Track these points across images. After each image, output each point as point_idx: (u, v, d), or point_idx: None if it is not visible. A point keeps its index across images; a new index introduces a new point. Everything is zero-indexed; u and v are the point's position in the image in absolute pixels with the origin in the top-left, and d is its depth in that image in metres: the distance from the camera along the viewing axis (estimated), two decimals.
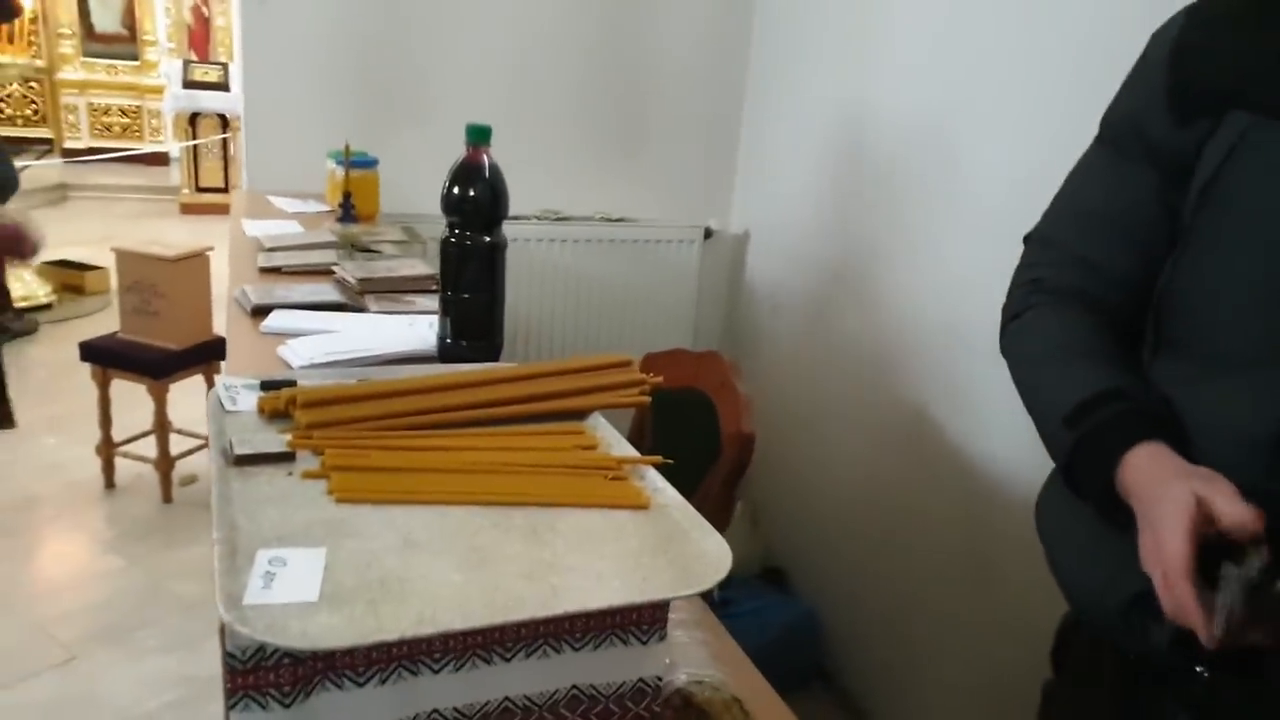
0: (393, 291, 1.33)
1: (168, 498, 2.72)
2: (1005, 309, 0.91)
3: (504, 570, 0.66)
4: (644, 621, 0.68)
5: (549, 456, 0.85)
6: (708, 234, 2.63)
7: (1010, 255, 1.74)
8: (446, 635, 0.61)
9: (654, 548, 0.71)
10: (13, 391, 2.20)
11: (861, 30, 2.09)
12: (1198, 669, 0.70)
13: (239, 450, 0.78)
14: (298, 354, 1.03)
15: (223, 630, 0.57)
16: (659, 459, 0.84)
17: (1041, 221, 0.91)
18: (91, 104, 8.53)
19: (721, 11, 2.50)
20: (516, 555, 0.68)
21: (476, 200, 1.06)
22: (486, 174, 1.06)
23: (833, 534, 2.22)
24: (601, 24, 2.42)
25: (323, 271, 1.43)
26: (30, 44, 7.90)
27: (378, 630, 0.58)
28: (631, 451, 0.87)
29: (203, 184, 7.20)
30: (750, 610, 2.11)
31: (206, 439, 2.84)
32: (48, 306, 4.33)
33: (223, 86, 7.23)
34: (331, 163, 1.93)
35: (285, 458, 0.79)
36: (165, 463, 2.70)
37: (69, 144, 8.20)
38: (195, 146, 7.14)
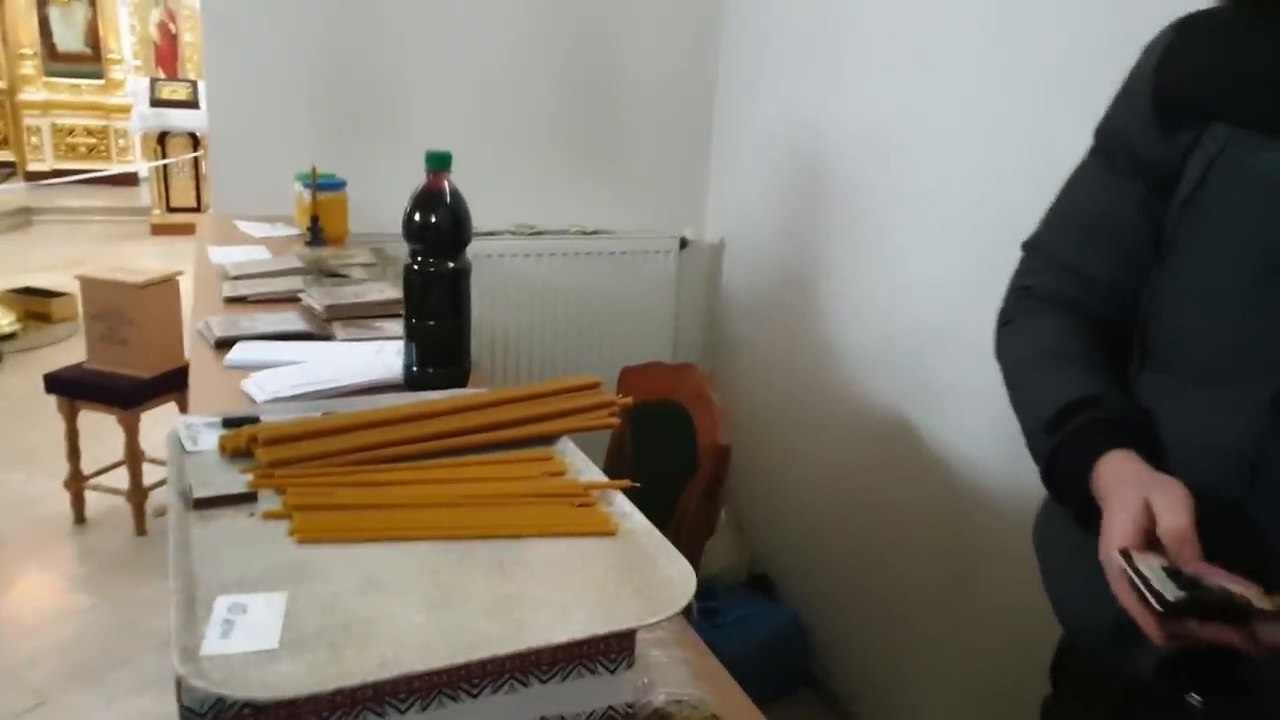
0: (360, 317, 1.32)
1: (141, 530, 2.68)
2: (999, 314, 0.92)
3: (467, 608, 0.65)
4: (611, 650, 0.68)
5: (516, 486, 0.84)
6: (683, 244, 2.64)
7: (974, 258, 1.76)
8: (410, 677, 0.60)
9: (619, 576, 0.71)
10: None
11: (825, 42, 2.10)
12: (1190, 697, 0.70)
13: (198, 493, 0.77)
14: (262, 388, 1.02)
15: (179, 683, 0.57)
16: (626, 483, 0.84)
17: (1037, 229, 0.92)
18: (55, 125, 8.42)
19: (690, 24, 2.51)
20: (480, 592, 0.68)
21: (438, 227, 1.06)
22: (448, 199, 1.06)
23: (816, 539, 2.23)
24: (570, 38, 2.42)
25: (289, 299, 1.42)
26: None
27: (340, 676, 0.57)
28: (600, 476, 0.87)
29: (174, 204, 7.12)
30: (736, 618, 2.11)
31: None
32: (11, 336, 4.26)
33: (192, 104, 7.16)
34: (299, 185, 1.91)
35: (247, 498, 0.78)
36: (138, 494, 2.66)
37: (32, 166, 8.10)
38: (165, 166, 7.06)
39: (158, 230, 7.03)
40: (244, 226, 1.97)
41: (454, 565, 0.71)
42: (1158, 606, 0.61)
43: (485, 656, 0.60)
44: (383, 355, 1.17)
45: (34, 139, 8.26)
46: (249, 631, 0.61)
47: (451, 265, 1.08)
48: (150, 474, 2.72)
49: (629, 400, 1.04)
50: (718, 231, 2.66)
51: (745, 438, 2.32)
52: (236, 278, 1.51)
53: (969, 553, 1.73)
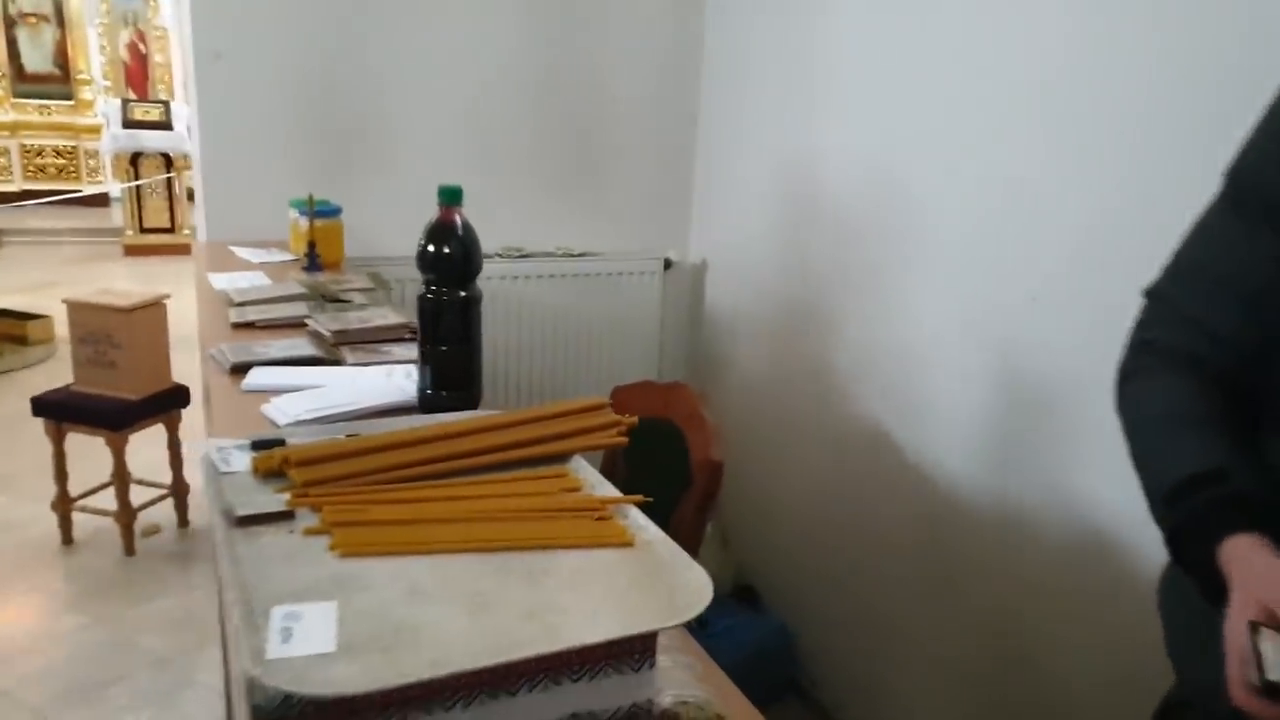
0: (367, 342, 1.37)
1: (130, 550, 2.69)
2: (1119, 367, 0.89)
3: (505, 613, 0.71)
4: (635, 651, 0.74)
5: (537, 501, 0.90)
6: (667, 265, 2.71)
7: (955, 280, 1.84)
8: (458, 676, 0.66)
9: (640, 583, 0.77)
10: None
11: (805, 70, 2.19)
12: None
13: (241, 512, 0.82)
14: (283, 412, 1.07)
15: (249, 683, 0.61)
16: (640, 498, 0.90)
17: (1161, 276, 0.87)
18: (24, 145, 8.35)
19: (672, 51, 2.60)
20: (515, 598, 0.73)
21: (450, 257, 1.12)
22: (459, 232, 1.12)
23: (800, 550, 2.30)
24: (554, 62, 2.50)
25: (295, 324, 1.47)
26: None
27: (397, 675, 0.62)
28: (613, 492, 0.93)
29: (147, 224, 7.09)
30: (724, 629, 2.17)
31: (168, 488, 2.83)
32: None
33: (165, 125, 7.15)
34: (294, 212, 1.96)
35: (285, 516, 0.83)
36: (126, 515, 2.66)
37: (1, 188, 8.02)
38: (139, 187, 7.03)
39: (131, 251, 6.99)
40: (240, 252, 2.01)
41: (489, 575, 0.76)
42: (1256, 681, 0.64)
43: (528, 656, 0.66)
44: (394, 378, 1.22)
45: (1, 160, 8.19)
46: (307, 637, 0.66)
47: (463, 294, 1.13)
48: (137, 495, 2.72)
49: (634, 419, 1.10)
50: (700, 253, 2.74)
51: (730, 452, 2.38)
52: (242, 304, 1.55)
53: (951, 563, 1.81)
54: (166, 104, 7.30)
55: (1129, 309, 0.91)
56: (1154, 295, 0.88)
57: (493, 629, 0.69)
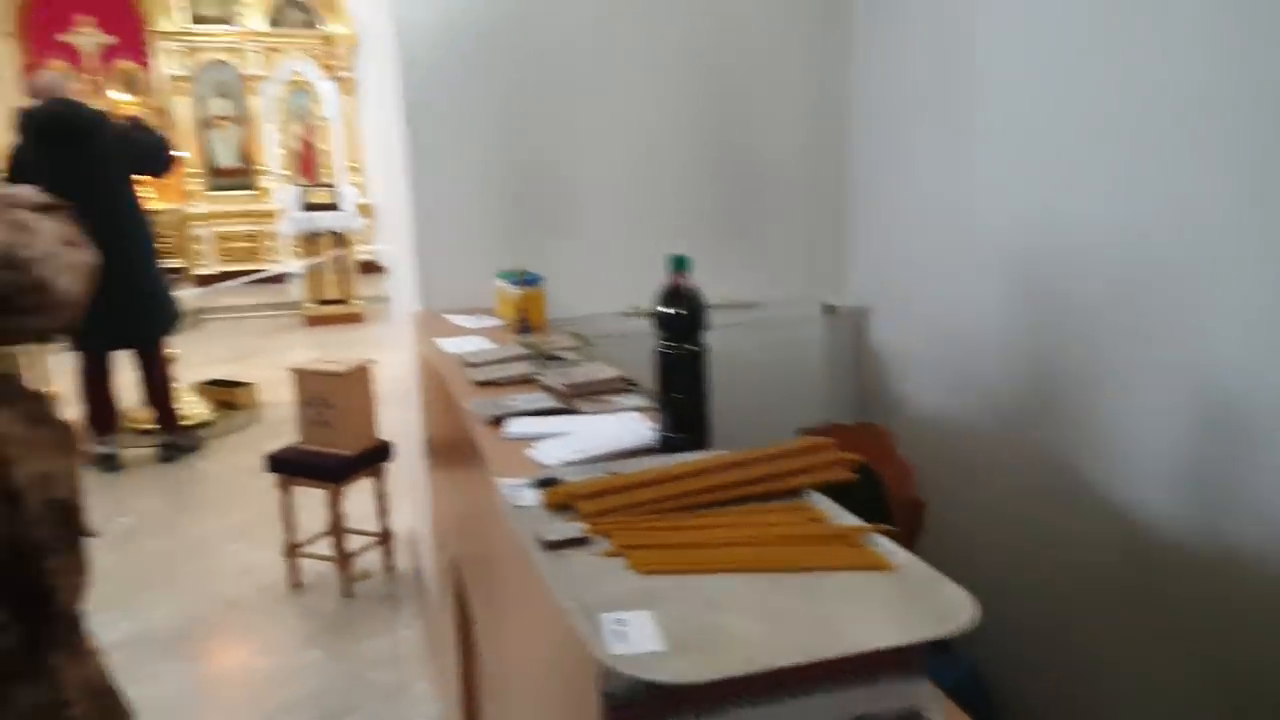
0: (596, 393, 1.53)
1: (348, 593, 2.97)
2: None
3: (796, 622, 0.82)
4: (909, 659, 0.83)
5: (794, 529, 1.01)
6: (829, 309, 2.80)
7: (1129, 307, 1.83)
8: (766, 673, 0.77)
9: (906, 599, 0.86)
10: (190, 501, 2.46)
11: (959, 104, 2.26)
12: None
13: (551, 538, 0.97)
14: (550, 455, 1.23)
15: (603, 674, 0.75)
16: (887, 527, 1.00)
17: None
18: (217, 232, 9.38)
19: (820, 99, 2.72)
20: (801, 611, 0.84)
21: (681, 317, 1.27)
22: (687, 294, 1.27)
23: (987, 590, 2.28)
24: (710, 121, 2.67)
25: (524, 381, 1.65)
26: (181, 191, 8.76)
27: (725, 668, 0.74)
28: (856, 521, 1.03)
29: (323, 297, 7.79)
30: None
31: (378, 536, 3.10)
32: (210, 424, 4.75)
33: (333, 206, 7.87)
34: (503, 282, 2.18)
35: (582, 541, 0.98)
36: (345, 561, 2.95)
37: (200, 271, 8.98)
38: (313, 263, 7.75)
39: (313, 322, 7.67)
40: (455, 319, 2.24)
41: (772, 591, 0.88)
42: None
43: (831, 656, 0.76)
44: (629, 424, 1.37)
45: (199, 246, 9.21)
46: (638, 638, 0.79)
47: (693, 348, 1.28)
48: (351, 542, 3.01)
49: (857, 456, 1.20)
50: (861, 297, 2.81)
51: None
52: (476, 364, 1.76)
53: (1166, 608, 1.76)
54: (333, 187, 8.04)
55: None
56: None
57: (789, 634, 0.80)
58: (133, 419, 4.56)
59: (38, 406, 1.26)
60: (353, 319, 7.67)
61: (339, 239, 7.81)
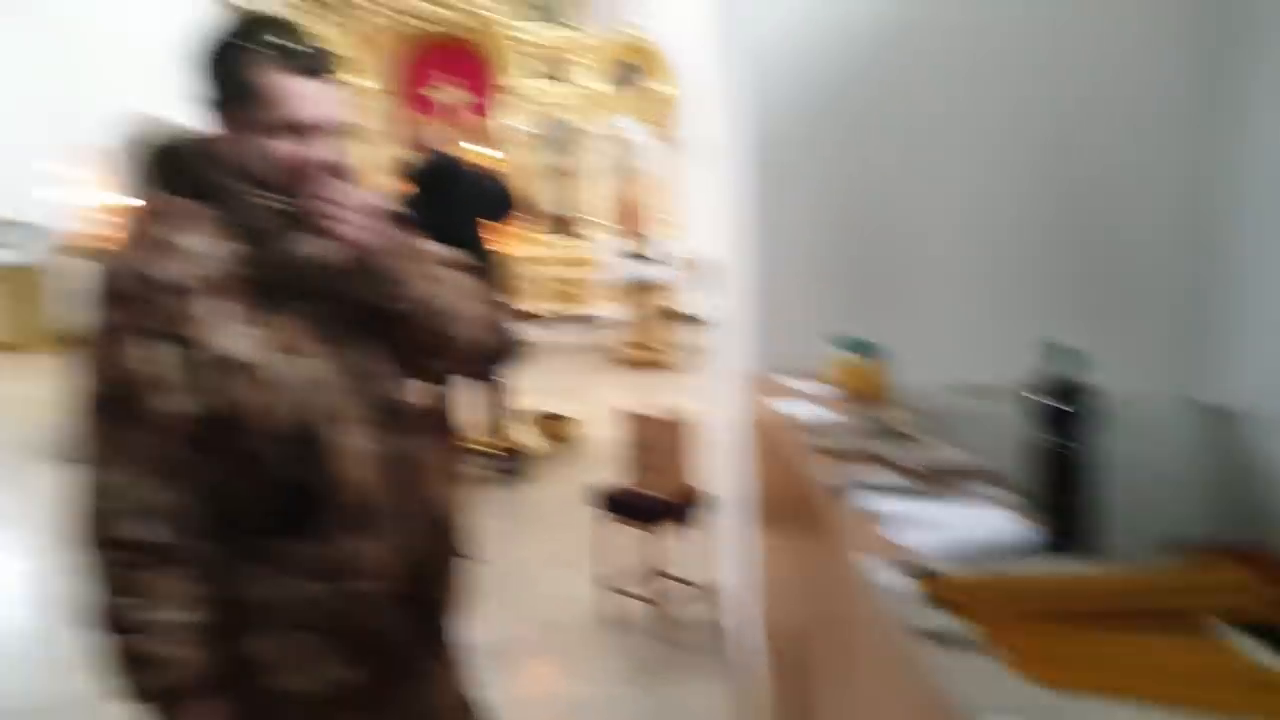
0: (953, 479, 1.50)
1: (663, 636, 3.10)
2: None
3: None
4: None
5: (1209, 665, 0.92)
6: (1202, 409, 2.50)
7: None
8: None
9: None
10: (516, 524, 2.64)
11: None
12: None
13: (931, 628, 0.98)
14: (914, 539, 1.23)
15: None
16: None
17: None
18: (538, 274, 10.38)
19: (1191, 170, 2.47)
20: None
21: (1078, 414, 1.22)
22: (1082, 390, 1.21)
23: None
24: (1060, 197, 2.51)
25: (868, 454, 1.65)
26: (517, 235, 9.90)
27: None
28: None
29: (636, 342, 8.35)
30: None
31: (697, 586, 3.18)
32: (540, 453, 5.22)
33: (649, 258, 8.41)
34: (841, 349, 2.21)
35: (963, 638, 0.97)
36: (662, 602, 3.10)
37: (531, 308, 9.97)
38: (631, 310, 8.33)
39: (634, 365, 8.20)
40: (789, 382, 2.31)
41: None
42: None
43: None
44: (994, 518, 1.32)
45: (527, 286, 10.27)
46: None
47: (1085, 448, 1.22)
48: (670, 587, 3.12)
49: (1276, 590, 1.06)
50: (1240, 393, 2.47)
51: None
52: (814, 431, 1.80)
53: None
54: (654, 240, 8.60)
55: None
56: None
57: None
58: (475, 441, 5.16)
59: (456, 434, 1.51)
60: (660, 365, 8.10)
61: (654, 288, 8.32)
